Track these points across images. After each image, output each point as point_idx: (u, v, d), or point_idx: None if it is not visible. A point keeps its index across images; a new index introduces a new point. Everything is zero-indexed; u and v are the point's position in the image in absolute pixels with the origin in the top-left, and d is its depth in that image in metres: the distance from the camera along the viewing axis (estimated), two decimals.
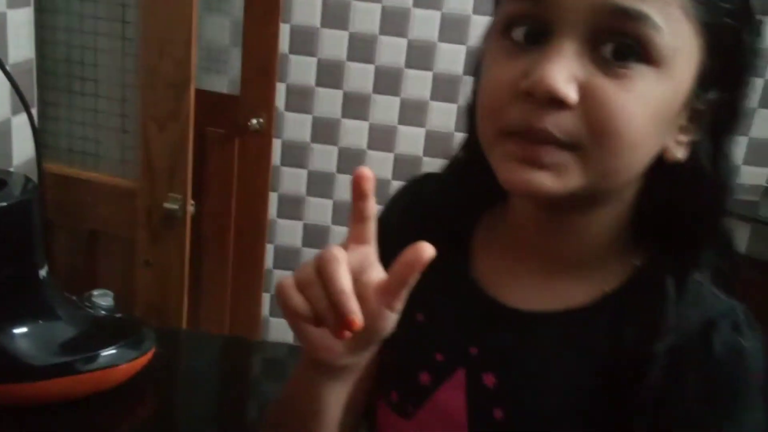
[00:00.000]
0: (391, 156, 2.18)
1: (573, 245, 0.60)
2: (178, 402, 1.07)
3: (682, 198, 0.57)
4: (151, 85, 1.33)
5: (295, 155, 2.23)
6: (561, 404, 0.59)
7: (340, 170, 2.23)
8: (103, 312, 1.03)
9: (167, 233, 1.38)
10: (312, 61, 2.14)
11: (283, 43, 2.10)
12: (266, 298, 2.32)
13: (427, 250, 0.50)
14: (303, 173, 2.24)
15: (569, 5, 0.50)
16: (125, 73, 1.40)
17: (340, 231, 2.28)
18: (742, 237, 1.92)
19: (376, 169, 2.18)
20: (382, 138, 2.17)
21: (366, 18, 2.09)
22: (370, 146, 2.20)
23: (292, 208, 2.28)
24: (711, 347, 0.55)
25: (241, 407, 1.11)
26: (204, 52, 2.13)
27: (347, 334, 0.49)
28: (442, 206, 0.68)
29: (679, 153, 0.56)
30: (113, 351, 0.97)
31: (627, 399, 0.56)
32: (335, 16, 2.10)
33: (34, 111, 1.30)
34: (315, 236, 2.30)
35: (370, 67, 2.12)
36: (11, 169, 1.24)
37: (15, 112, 1.26)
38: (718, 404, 0.56)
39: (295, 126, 2.20)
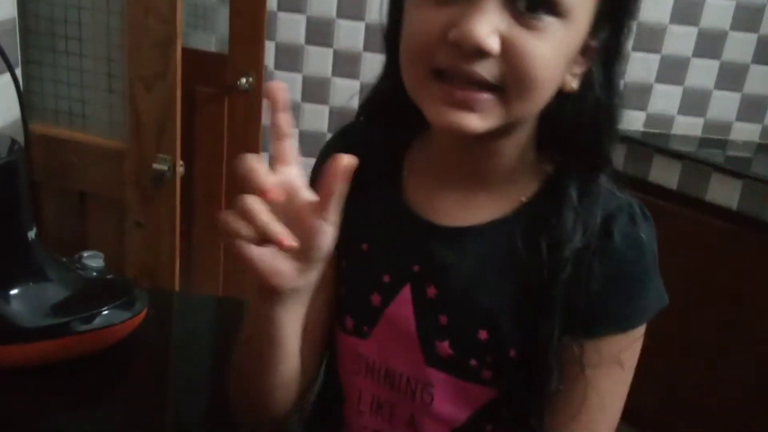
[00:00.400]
0: None
1: (491, 165, 0.68)
2: (170, 363, 1.07)
3: (578, 119, 0.65)
4: (136, 44, 1.30)
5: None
6: (492, 305, 0.67)
7: (331, 129, 2.21)
8: (94, 273, 1.03)
9: (157, 194, 1.36)
10: (301, 19, 2.11)
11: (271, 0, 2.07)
12: None
13: (345, 159, 0.57)
14: (294, 133, 2.22)
15: None
16: (111, 32, 1.37)
17: None
18: (733, 194, 1.92)
19: None
20: None
21: None
22: None
23: None
24: (612, 237, 0.64)
25: None
26: (191, 9, 2.09)
27: (290, 242, 0.55)
28: (372, 143, 0.75)
29: (574, 83, 0.64)
30: (105, 312, 0.97)
31: (545, 294, 0.64)
32: None
33: (18, 71, 1.27)
34: None
35: (361, 25, 2.10)
36: None
37: None
38: (622, 286, 0.64)
39: (285, 85, 2.17)
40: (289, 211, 0.57)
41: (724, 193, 1.96)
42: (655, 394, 2.09)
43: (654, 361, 2.13)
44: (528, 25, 0.57)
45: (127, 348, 1.00)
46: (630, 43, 0.67)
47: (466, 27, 0.56)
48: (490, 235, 0.69)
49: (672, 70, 2.17)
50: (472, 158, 0.69)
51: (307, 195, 0.59)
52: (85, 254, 1.04)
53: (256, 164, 0.57)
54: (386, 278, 0.72)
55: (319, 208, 0.58)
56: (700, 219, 2.00)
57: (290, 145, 0.61)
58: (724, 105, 2.20)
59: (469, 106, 0.59)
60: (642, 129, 2.24)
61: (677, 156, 2.05)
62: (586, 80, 0.65)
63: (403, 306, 0.71)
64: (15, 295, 0.92)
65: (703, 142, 2.23)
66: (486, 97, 0.59)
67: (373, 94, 0.77)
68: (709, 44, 2.14)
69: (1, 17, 1.25)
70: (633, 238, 0.65)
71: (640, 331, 0.67)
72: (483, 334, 0.68)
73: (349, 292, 0.76)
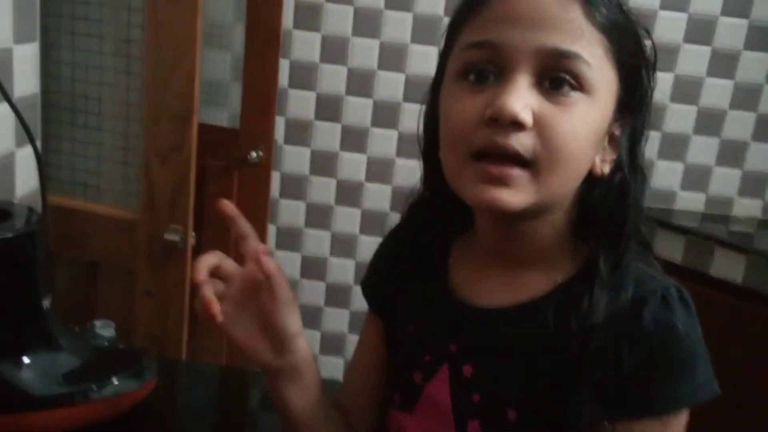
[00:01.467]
0: (389, 188, 2.20)
1: (528, 248, 0.71)
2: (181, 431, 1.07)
3: (613, 202, 0.68)
4: (154, 118, 1.35)
5: (294, 188, 2.24)
6: (522, 385, 0.68)
7: (338, 203, 2.25)
8: (105, 342, 1.04)
9: (168, 264, 1.38)
10: (311, 96, 2.17)
11: (283, 77, 2.14)
12: None
13: (223, 202, 0.74)
14: (301, 205, 2.26)
15: (522, 50, 0.63)
16: (129, 107, 1.42)
17: (339, 263, 2.29)
18: (737, 269, 1.93)
19: (375, 201, 2.21)
20: (380, 171, 2.20)
21: (364, 53, 2.13)
22: (368, 179, 2.22)
23: (290, 240, 2.29)
24: (641, 319, 0.64)
25: None
26: (204, 86, 2.15)
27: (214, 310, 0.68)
28: (421, 239, 0.81)
29: (604, 168, 0.69)
30: (115, 382, 0.97)
31: (573, 374, 0.65)
32: (334, 51, 2.13)
33: (38, 144, 1.31)
34: (313, 268, 2.30)
35: (369, 102, 2.16)
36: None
37: (19, 144, 1.28)
38: (652, 370, 0.64)
39: (294, 159, 2.22)
40: (254, 299, 0.72)
41: (729, 267, 1.97)
42: None
43: None
44: (556, 101, 0.63)
45: (135, 417, 1.00)
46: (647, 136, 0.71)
47: (501, 102, 0.62)
48: (524, 316, 0.70)
49: (673, 147, 2.21)
50: (511, 241, 0.72)
51: (266, 287, 0.71)
52: (97, 323, 1.05)
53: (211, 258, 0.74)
54: (427, 357, 0.75)
55: (271, 295, 0.71)
56: (706, 293, 2.00)
57: (251, 243, 0.74)
58: (725, 181, 2.24)
59: (503, 182, 0.63)
60: (645, 205, 2.26)
61: (681, 231, 2.07)
62: (612, 165, 0.69)
63: (440, 385, 0.74)
64: (26, 363, 0.93)
65: (706, 217, 2.25)
66: (519, 173, 0.63)
67: (416, 199, 0.82)
68: (710, 122, 2.19)
69: (25, 92, 1.29)
70: (665, 322, 0.65)
71: (678, 417, 0.66)
72: (512, 415, 0.68)
73: (397, 370, 0.80)
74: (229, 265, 0.75)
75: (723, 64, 2.13)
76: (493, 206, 0.64)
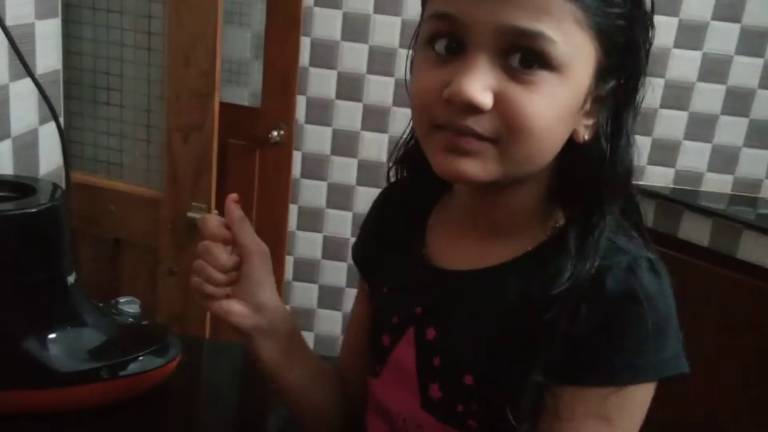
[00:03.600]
0: None
1: (503, 215, 0.70)
2: (202, 410, 1.07)
3: (588, 170, 0.65)
4: (176, 96, 1.34)
5: (315, 167, 2.23)
6: (480, 350, 0.67)
7: (359, 183, 2.23)
8: (130, 319, 1.03)
9: (191, 242, 1.38)
10: (332, 74, 2.15)
11: (304, 55, 2.12)
12: None
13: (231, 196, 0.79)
14: (323, 185, 2.25)
15: (478, 27, 0.59)
16: (150, 84, 1.41)
17: None
18: (765, 252, 1.90)
19: None
20: None
21: (385, 31, 2.10)
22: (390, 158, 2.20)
23: (311, 220, 2.28)
24: (603, 285, 0.62)
25: (264, 415, 1.11)
26: (225, 65, 2.14)
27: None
28: (405, 200, 0.80)
29: (586, 134, 0.65)
30: (140, 358, 0.97)
31: (532, 340, 0.63)
32: (355, 29, 2.11)
33: (60, 121, 1.31)
34: (334, 248, 2.30)
35: (390, 80, 2.13)
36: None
37: (42, 121, 1.28)
38: (611, 337, 0.62)
39: (315, 138, 2.20)
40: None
41: (756, 250, 1.93)
42: None
43: (683, 422, 2.07)
44: (521, 80, 0.59)
45: (159, 394, 1.00)
46: (642, 95, 0.66)
47: (457, 85, 0.59)
48: (488, 281, 0.69)
49: (701, 128, 2.17)
50: (485, 208, 0.71)
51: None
52: (122, 300, 1.05)
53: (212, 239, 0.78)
54: (395, 320, 0.75)
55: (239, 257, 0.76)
56: (732, 276, 1.97)
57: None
58: (753, 162, 2.19)
59: (468, 153, 0.61)
60: (671, 185, 2.23)
61: (707, 213, 2.04)
62: (595, 131, 0.65)
63: (406, 347, 0.73)
64: (52, 339, 0.93)
65: (733, 199, 2.22)
66: (483, 145, 0.61)
67: (403, 148, 0.79)
68: (738, 102, 2.14)
69: (47, 68, 1.29)
70: (627, 288, 0.62)
71: (638, 390, 0.63)
72: (469, 379, 0.67)
73: (370, 332, 0.80)
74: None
75: (752, 41, 2.09)
76: (458, 177, 0.63)
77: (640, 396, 0.64)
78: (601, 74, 0.63)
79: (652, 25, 0.65)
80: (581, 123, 0.64)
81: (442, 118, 0.61)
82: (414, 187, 0.79)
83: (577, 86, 0.61)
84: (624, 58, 0.63)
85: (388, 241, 0.80)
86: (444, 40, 0.62)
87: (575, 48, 0.60)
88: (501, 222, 0.70)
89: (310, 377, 0.81)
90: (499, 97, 0.59)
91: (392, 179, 0.81)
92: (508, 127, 0.60)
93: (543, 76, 0.59)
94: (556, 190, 0.69)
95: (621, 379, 0.62)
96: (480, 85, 0.58)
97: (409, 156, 0.78)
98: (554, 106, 0.60)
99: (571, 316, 0.62)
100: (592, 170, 0.65)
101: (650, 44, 0.65)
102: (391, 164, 0.80)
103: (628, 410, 0.64)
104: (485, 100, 0.59)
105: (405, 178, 0.81)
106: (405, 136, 0.78)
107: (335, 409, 0.84)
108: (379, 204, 0.86)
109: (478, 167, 0.61)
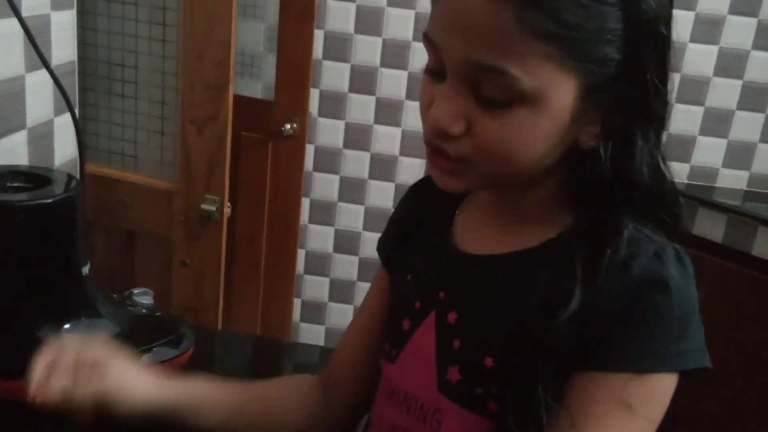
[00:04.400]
0: (424, 162, 2.18)
1: (520, 205, 0.72)
2: None
3: (596, 174, 0.65)
4: (190, 87, 1.34)
5: (328, 161, 2.23)
6: (501, 333, 0.67)
7: (372, 176, 2.23)
8: (143, 310, 1.04)
9: (204, 234, 1.38)
10: (345, 67, 2.15)
11: (317, 48, 2.11)
12: (297, 303, 2.33)
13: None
14: (335, 179, 2.25)
15: (451, 56, 0.61)
16: (165, 76, 1.41)
17: (371, 237, 2.27)
18: None
19: (409, 175, 2.19)
20: (414, 144, 2.17)
21: (399, 24, 2.10)
22: (402, 152, 2.20)
23: (323, 213, 2.28)
24: (629, 270, 0.62)
25: None
26: (238, 57, 2.14)
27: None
28: (431, 194, 0.78)
29: (592, 141, 0.64)
30: (154, 349, 0.98)
31: (554, 325, 0.63)
32: (369, 22, 2.10)
33: (76, 112, 1.32)
34: (346, 242, 2.30)
35: (403, 74, 2.13)
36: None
37: (57, 113, 1.28)
38: (635, 322, 0.61)
39: (328, 132, 2.20)
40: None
41: None
42: None
43: (698, 423, 2.06)
44: (490, 111, 0.61)
45: None
46: (665, 103, 0.65)
47: (434, 111, 0.63)
48: (512, 265, 0.70)
49: (716, 123, 2.16)
50: (502, 202, 0.74)
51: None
52: (136, 291, 1.05)
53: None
54: (417, 304, 0.75)
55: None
56: (746, 273, 1.96)
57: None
58: None
59: (447, 171, 0.66)
60: (686, 181, 2.22)
61: (722, 209, 2.02)
62: (602, 138, 0.64)
63: (427, 331, 0.73)
64: (67, 329, 0.93)
65: (748, 195, 2.20)
66: (458, 167, 0.65)
67: None
68: (754, 97, 2.13)
69: (62, 60, 1.29)
70: (654, 274, 0.62)
71: (661, 379, 0.63)
72: (489, 362, 0.67)
73: (389, 318, 0.81)
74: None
75: (767, 36, 2.07)
76: (445, 188, 0.67)
77: (663, 386, 0.63)
78: (592, 93, 0.61)
79: (667, 28, 0.62)
80: (584, 131, 0.64)
81: (426, 136, 0.66)
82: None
83: (555, 111, 0.61)
84: (622, 73, 0.61)
85: (415, 232, 0.82)
86: (432, 62, 0.65)
87: (547, 81, 0.59)
88: (523, 211, 0.72)
89: (232, 412, 0.84)
90: (469, 125, 0.62)
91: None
92: (478, 153, 0.63)
93: (513, 108, 0.60)
94: (575, 187, 0.68)
95: (644, 365, 0.62)
96: (451, 113, 0.62)
97: None
98: (525, 135, 0.62)
99: (597, 303, 0.62)
100: (600, 175, 0.64)
101: (666, 48, 0.63)
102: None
103: (650, 400, 0.63)
104: (454, 129, 0.62)
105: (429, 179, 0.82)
106: None
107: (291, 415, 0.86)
108: (408, 198, 0.88)
109: (456, 182, 0.66)
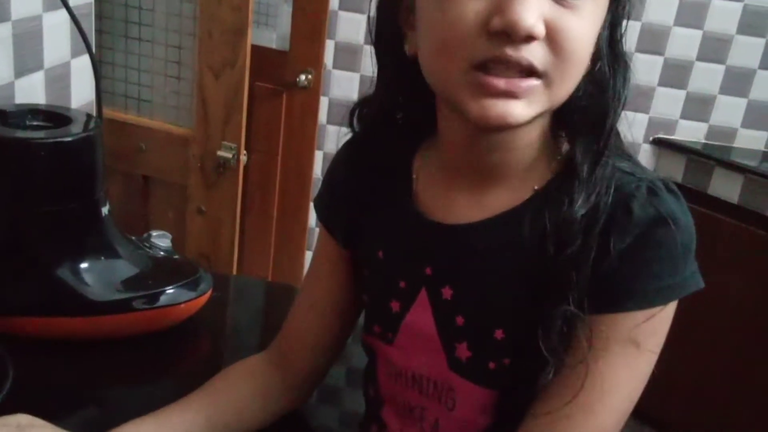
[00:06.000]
0: None
1: (504, 158, 0.66)
2: (232, 344, 1.08)
3: (593, 95, 0.63)
4: (208, 32, 1.33)
5: (342, 114, 2.20)
6: (506, 301, 0.65)
7: None
8: (161, 253, 1.04)
9: (220, 181, 1.38)
10: (362, 19, 2.12)
11: None
12: (308, 255, 2.34)
13: None
14: (348, 132, 2.23)
15: None
16: (182, 20, 1.39)
17: None
18: None
19: None
20: None
21: None
22: None
23: None
24: (630, 212, 0.61)
25: None
26: (255, 6, 2.11)
27: None
28: (378, 153, 0.73)
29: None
30: (172, 290, 0.98)
31: (560, 278, 0.61)
32: None
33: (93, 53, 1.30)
34: None
35: None
36: None
37: (75, 54, 1.27)
38: (642, 261, 0.61)
39: (343, 84, 2.18)
40: None
41: None
42: (709, 412, 2.04)
43: (710, 379, 2.07)
44: (566, 4, 0.57)
45: (188, 328, 1.01)
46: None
47: (513, 14, 0.54)
48: (500, 229, 0.66)
49: (736, 82, 2.13)
50: (488, 152, 0.66)
51: None
52: (154, 234, 1.05)
53: None
54: (402, 284, 0.71)
55: None
56: (761, 235, 1.95)
57: None
58: None
59: (514, 95, 0.57)
60: (703, 141, 2.20)
61: (739, 169, 2.01)
62: (594, 55, 0.63)
63: (422, 310, 0.70)
64: (86, 268, 0.94)
65: (766, 156, 2.18)
66: (533, 83, 0.57)
67: (371, 105, 0.74)
68: None
69: (79, 1, 1.28)
70: (656, 211, 0.61)
71: (665, 311, 0.62)
72: (499, 333, 0.66)
73: (372, 300, 0.77)
74: None
75: None
76: (502, 122, 0.58)
77: (667, 315, 0.63)
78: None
79: None
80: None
81: (487, 53, 0.56)
82: (385, 140, 0.73)
83: (604, 8, 0.60)
84: None
85: (366, 201, 0.75)
86: None
87: None
88: (503, 165, 0.66)
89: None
90: (550, 25, 0.56)
91: (356, 130, 0.75)
92: (558, 55, 0.57)
93: (583, 0, 0.57)
94: (557, 122, 0.66)
95: (656, 301, 0.62)
96: (536, 13, 0.55)
97: (382, 109, 0.73)
98: (594, 30, 0.59)
99: (601, 247, 0.61)
100: (596, 95, 0.63)
101: None
102: (354, 117, 0.75)
103: (655, 333, 0.63)
104: (542, 29, 0.55)
105: (369, 132, 0.75)
106: (374, 82, 0.72)
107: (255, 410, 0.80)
108: (342, 164, 0.79)
109: (526, 109, 0.58)
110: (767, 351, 1.95)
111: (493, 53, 0.56)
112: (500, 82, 0.56)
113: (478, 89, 0.57)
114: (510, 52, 0.55)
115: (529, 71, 0.57)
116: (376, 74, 0.72)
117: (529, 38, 0.55)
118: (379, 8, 0.68)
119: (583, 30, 0.58)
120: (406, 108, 0.71)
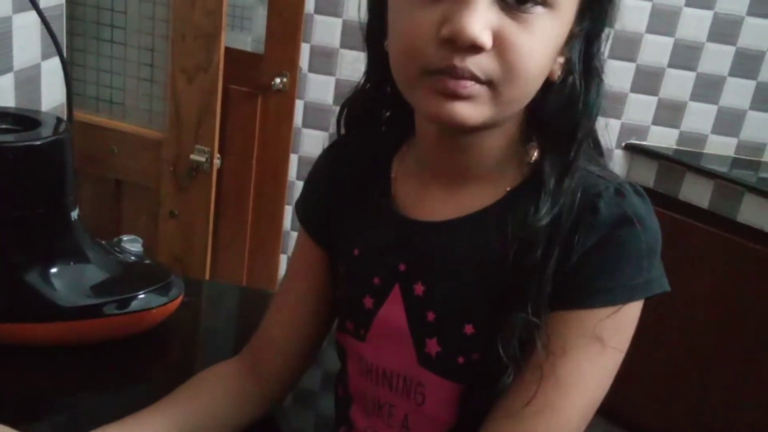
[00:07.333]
0: None
1: (477, 159, 0.68)
2: (203, 349, 1.08)
3: (562, 107, 0.65)
4: (181, 35, 1.32)
5: (317, 117, 2.21)
6: (475, 298, 0.67)
7: None
8: (132, 258, 1.03)
9: (192, 185, 1.37)
10: (337, 22, 2.12)
11: (309, 2, 2.08)
12: (283, 260, 2.33)
13: None
14: (324, 136, 2.23)
15: None
16: (155, 22, 1.38)
17: None
18: (765, 215, 1.90)
19: None
20: None
21: None
22: None
23: None
24: (597, 211, 0.62)
25: None
26: (229, 9, 2.10)
27: None
28: (360, 153, 0.76)
29: (559, 71, 0.64)
30: (143, 296, 0.97)
31: (526, 278, 0.63)
32: None
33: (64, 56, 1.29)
34: None
35: None
36: None
37: (45, 57, 1.26)
38: (606, 258, 0.62)
39: (318, 87, 2.18)
40: None
41: (756, 214, 1.94)
42: (681, 413, 2.07)
43: (680, 380, 2.10)
44: (518, 18, 0.58)
45: (159, 333, 1.00)
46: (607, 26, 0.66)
47: (459, 23, 0.56)
48: (470, 227, 0.68)
49: (707, 89, 2.16)
50: (458, 153, 0.68)
51: None
52: (125, 238, 1.04)
53: None
54: (376, 280, 0.72)
55: None
56: (731, 240, 1.98)
57: None
58: (758, 126, 2.19)
59: (461, 96, 0.59)
60: (674, 146, 2.23)
61: (709, 175, 2.04)
62: (567, 69, 0.64)
63: (394, 306, 0.71)
64: (55, 273, 0.93)
65: (736, 162, 2.21)
66: (477, 88, 0.59)
67: (357, 102, 0.75)
68: (747, 64, 2.13)
69: (50, 3, 1.26)
70: (622, 211, 0.63)
71: (630, 309, 0.64)
72: (469, 329, 0.67)
73: (346, 296, 0.77)
74: None
75: (764, 2, 2.06)
76: (451, 121, 0.60)
77: (632, 314, 0.64)
78: (581, 10, 0.62)
79: None
80: (556, 61, 0.64)
81: (437, 62, 0.58)
82: (368, 141, 0.75)
83: (564, 23, 0.61)
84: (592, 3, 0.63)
85: (346, 202, 0.76)
86: None
87: None
88: (475, 166, 0.68)
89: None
90: (496, 36, 0.57)
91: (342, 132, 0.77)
92: (504, 68, 0.58)
93: (539, 14, 0.58)
94: (528, 129, 0.68)
95: (620, 299, 0.63)
96: (482, 23, 0.56)
97: (363, 107, 0.75)
98: (546, 45, 0.60)
99: (566, 247, 0.62)
100: (566, 107, 0.64)
101: None
102: (341, 118, 0.76)
103: (620, 330, 0.64)
104: (487, 39, 0.57)
105: (351, 135, 0.76)
106: (360, 85, 0.74)
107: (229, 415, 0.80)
108: (324, 165, 0.81)
109: (472, 110, 0.60)
110: (736, 352, 1.98)
111: (445, 63, 0.58)
112: (449, 83, 0.58)
113: (431, 90, 0.60)
114: (457, 62, 0.57)
115: (473, 79, 0.58)
116: (366, 67, 0.74)
117: (476, 47, 0.57)
118: (369, 6, 0.70)
119: (532, 44, 0.58)
120: (393, 101, 0.71)
